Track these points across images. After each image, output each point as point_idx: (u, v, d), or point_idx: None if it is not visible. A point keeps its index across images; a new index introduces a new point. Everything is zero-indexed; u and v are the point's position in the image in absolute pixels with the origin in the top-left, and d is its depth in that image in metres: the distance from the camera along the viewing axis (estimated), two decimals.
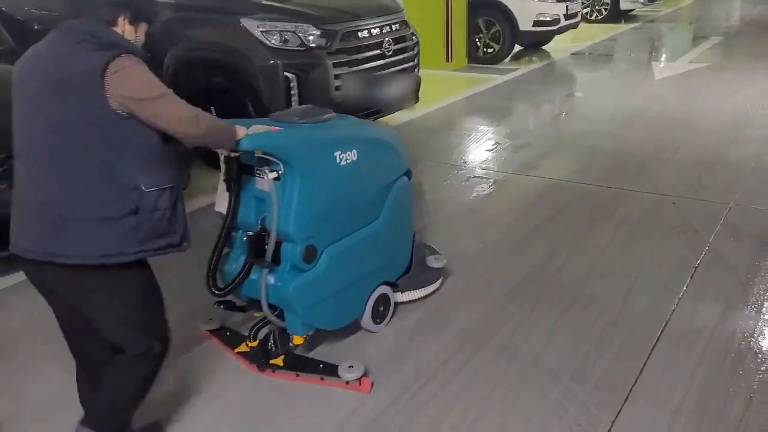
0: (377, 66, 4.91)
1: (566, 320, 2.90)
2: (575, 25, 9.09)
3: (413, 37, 5.33)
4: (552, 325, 2.86)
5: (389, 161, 2.81)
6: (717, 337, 2.72)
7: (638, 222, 3.82)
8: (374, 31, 4.88)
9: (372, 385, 2.48)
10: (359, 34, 4.77)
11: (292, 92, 4.54)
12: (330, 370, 2.51)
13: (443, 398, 2.43)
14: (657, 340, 2.71)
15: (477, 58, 8.58)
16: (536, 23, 8.34)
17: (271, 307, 2.49)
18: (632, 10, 12.24)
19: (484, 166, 4.90)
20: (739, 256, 3.37)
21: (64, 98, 1.76)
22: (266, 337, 2.61)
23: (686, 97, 6.63)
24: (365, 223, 2.68)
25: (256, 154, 2.35)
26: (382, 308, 2.82)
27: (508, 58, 8.64)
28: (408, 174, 2.90)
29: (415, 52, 5.35)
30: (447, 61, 8.21)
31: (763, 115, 5.83)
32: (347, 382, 2.46)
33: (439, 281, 3.09)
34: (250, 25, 4.53)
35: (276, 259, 2.42)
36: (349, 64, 4.71)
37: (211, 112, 4.71)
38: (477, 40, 8.58)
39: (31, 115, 1.83)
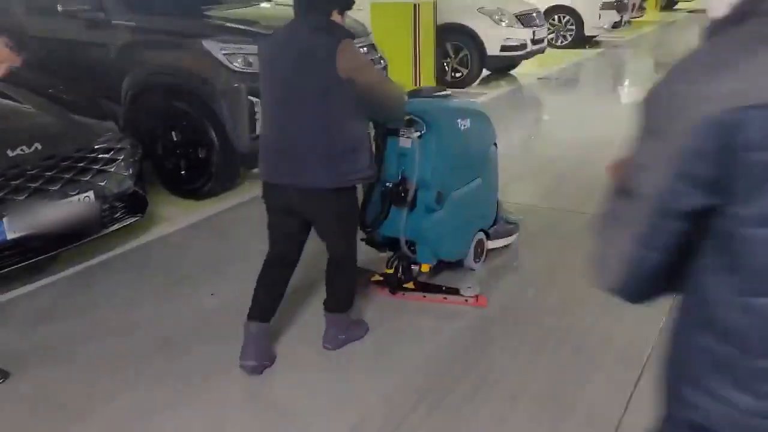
0: None
1: (546, 352, 2.79)
2: (542, 51, 9.16)
3: (381, 61, 5.25)
4: (532, 357, 2.75)
5: (488, 131, 3.48)
6: None
7: None
8: None
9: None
10: None
11: (257, 117, 4.39)
12: (451, 290, 3.21)
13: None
14: (642, 371, 2.62)
15: (445, 82, 8.56)
16: (504, 48, 8.38)
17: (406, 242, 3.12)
18: (596, 36, 12.44)
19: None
20: None
21: (308, 71, 2.40)
22: (396, 269, 3.22)
23: None
24: (473, 178, 3.34)
25: (406, 118, 2.99)
26: (479, 250, 3.46)
27: (476, 83, 8.65)
28: (496, 144, 3.54)
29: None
30: (415, 85, 8.16)
31: None
32: (466, 300, 3.14)
33: (516, 235, 3.71)
34: (213, 47, 4.39)
35: (412, 203, 3.06)
36: None
37: (172, 138, 4.66)
38: (445, 64, 8.57)
39: (282, 84, 2.48)
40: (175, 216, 4.36)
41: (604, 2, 11.74)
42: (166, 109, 4.59)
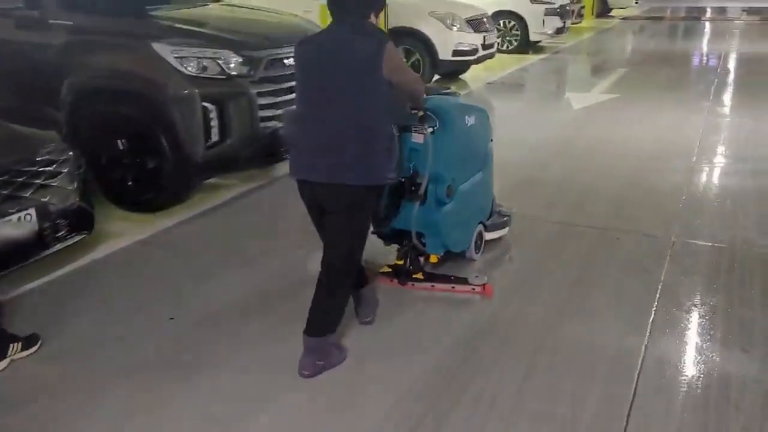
0: None
1: (537, 368, 2.66)
2: (492, 55, 9.16)
3: None
4: (524, 375, 2.62)
5: (487, 127, 3.64)
6: (693, 382, 2.56)
7: (587, 261, 3.67)
8: None
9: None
10: (285, 61, 4.43)
11: (212, 124, 4.14)
12: (459, 280, 3.33)
13: None
14: (636, 385, 2.53)
15: None
16: (455, 53, 8.32)
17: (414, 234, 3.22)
18: (540, 41, 12.59)
19: None
20: (693, 296, 3.27)
21: (352, 71, 2.47)
22: (404, 260, 3.34)
23: (606, 127, 6.72)
24: (476, 172, 3.50)
25: (419, 114, 3.08)
26: (479, 241, 3.63)
27: None
28: (492, 140, 3.70)
29: None
30: None
31: (682, 144, 5.96)
32: (473, 288, 3.28)
33: (508, 228, 3.87)
34: (164, 50, 4.10)
35: (423, 197, 3.13)
36: (275, 93, 4.36)
37: (118, 146, 4.33)
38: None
39: (325, 84, 2.51)
40: (124, 231, 4.03)
41: (547, 9, 11.88)
42: (112, 115, 4.25)
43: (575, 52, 12.94)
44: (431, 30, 8.24)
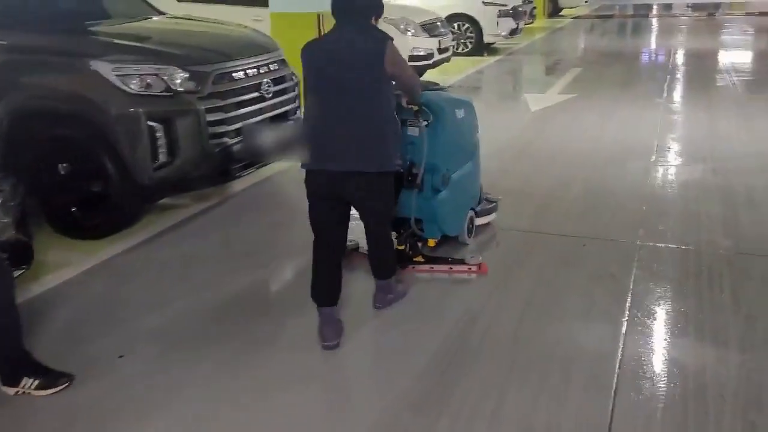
0: (257, 110, 4.40)
1: (512, 384, 2.55)
2: (448, 59, 9.12)
3: (293, 77, 4.88)
4: (499, 392, 2.50)
5: (475, 119, 3.87)
6: (671, 390, 2.48)
7: (555, 270, 3.58)
8: (251, 72, 4.37)
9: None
10: (234, 75, 4.24)
11: (159, 144, 3.92)
12: (456, 261, 3.56)
13: None
14: (614, 394, 2.44)
15: None
16: (411, 58, 8.23)
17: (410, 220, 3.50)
18: (494, 43, 12.62)
19: None
20: (664, 302, 3.21)
21: (360, 67, 2.73)
22: (404, 246, 3.54)
23: (565, 128, 6.70)
24: (466, 161, 3.75)
25: (414, 109, 3.30)
26: (471, 226, 3.85)
27: None
28: (478, 131, 3.95)
29: (296, 93, 4.89)
30: None
31: (641, 144, 5.97)
32: (470, 268, 3.49)
33: (495, 213, 4.10)
34: (103, 68, 3.87)
35: (420, 185, 3.43)
36: (224, 109, 4.16)
37: (58, 171, 4.08)
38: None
39: (336, 80, 2.75)
40: (70, 261, 3.79)
41: (500, 10, 11.91)
42: (51, 138, 4.00)
43: (530, 52, 13.02)
44: None
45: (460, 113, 3.63)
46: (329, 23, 8.03)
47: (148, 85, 3.91)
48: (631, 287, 3.34)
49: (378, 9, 2.87)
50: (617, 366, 2.69)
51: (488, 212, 4.07)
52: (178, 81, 3.98)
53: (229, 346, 2.93)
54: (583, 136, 6.35)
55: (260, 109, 4.43)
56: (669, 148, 5.86)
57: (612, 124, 6.81)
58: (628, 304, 3.17)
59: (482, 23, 11.70)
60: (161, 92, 3.94)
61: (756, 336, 2.89)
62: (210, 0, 8.77)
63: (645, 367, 2.70)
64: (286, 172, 5.40)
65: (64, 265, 3.76)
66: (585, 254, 3.76)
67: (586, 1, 22.75)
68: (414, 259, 3.56)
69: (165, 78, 3.95)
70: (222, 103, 4.14)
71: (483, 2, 11.83)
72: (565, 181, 5.03)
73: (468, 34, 11.97)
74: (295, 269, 3.84)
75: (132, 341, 2.99)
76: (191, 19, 5.49)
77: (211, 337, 3.02)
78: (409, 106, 3.30)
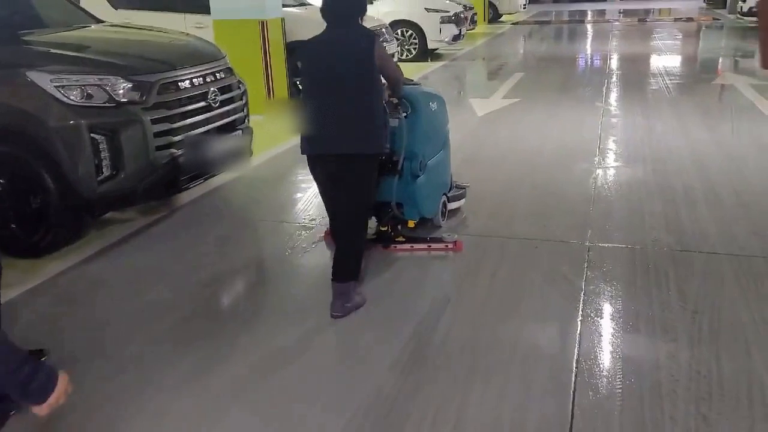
0: (204, 120, 4.32)
1: (473, 389, 2.56)
2: None
3: (240, 86, 4.81)
4: (462, 394, 2.50)
5: (445, 112, 4.22)
6: (627, 388, 2.54)
7: (508, 274, 3.63)
8: (197, 81, 4.28)
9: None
10: (180, 84, 4.15)
11: (102, 157, 3.80)
12: (434, 240, 3.95)
13: None
14: (573, 395, 2.47)
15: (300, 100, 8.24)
16: None
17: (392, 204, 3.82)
18: (437, 49, 12.76)
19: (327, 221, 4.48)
20: (615, 302, 3.29)
21: (353, 61, 3.06)
22: (386, 227, 3.92)
23: (511, 132, 6.82)
24: (439, 150, 4.09)
25: (394, 101, 3.60)
26: (443, 210, 4.18)
27: None
28: (448, 123, 4.31)
29: (243, 101, 4.82)
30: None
31: (584, 146, 6.13)
32: (446, 246, 3.88)
33: (464, 199, 4.48)
34: (41, 79, 3.72)
35: (400, 172, 3.72)
36: (170, 119, 4.06)
37: None
38: (298, 82, 8.24)
39: (332, 73, 3.07)
40: (10, 282, 3.58)
41: (442, 17, 12.06)
42: None
43: (472, 57, 13.22)
44: None
45: (433, 106, 3.96)
46: (273, 30, 7.96)
47: (90, 96, 3.78)
48: (583, 287, 3.42)
49: (363, 10, 3.25)
50: (574, 365, 2.74)
51: (458, 197, 4.43)
52: (122, 91, 3.87)
53: (179, 367, 2.84)
54: (529, 139, 6.48)
55: (207, 118, 4.36)
56: (611, 150, 6.04)
57: (556, 127, 6.97)
58: (581, 306, 3.24)
59: (425, 29, 11.82)
60: (104, 103, 3.82)
61: (702, 331, 3.00)
62: (149, 7, 8.58)
63: (601, 365, 2.76)
64: (235, 183, 5.31)
65: (5, 285, 3.56)
66: (537, 257, 3.83)
67: (524, 7, 23.28)
68: (396, 239, 3.91)
69: (107, 88, 3.83)
70: (168, 113, 4.05)
71: (426, 9, 11.96)
72: (515, 184, 5.11)
73: (412, 41, 12.07)
74: (244, 284, 3.78)
75: (76, 364, 2.87)
76: (131, 28, 5.35)
77: (161, 357, 2.93)
78: (391, 99, 3.58)
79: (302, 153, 3.29)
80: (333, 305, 3.19)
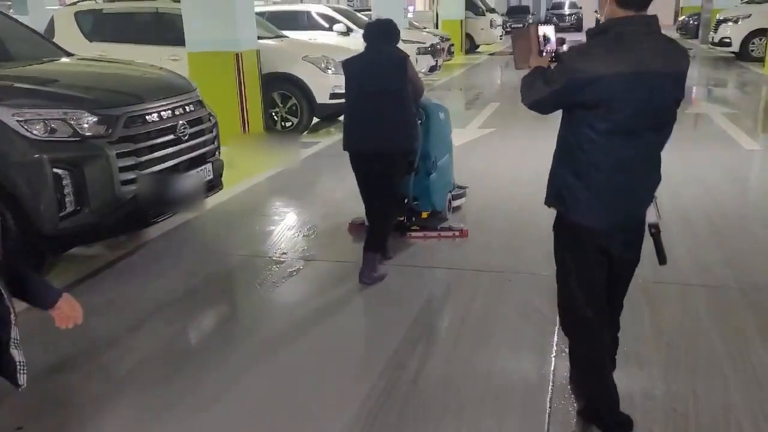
0: (172, 153, 4.24)
1: (449, 423, 2.47)
2: None
3: (211, 118, 4.75)
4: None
5: (449, 121, 4.81)
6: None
7: (482, 309, 3.56)
8: (165, 114, 4.21)
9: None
10: (147, 118, 4.08)
11: (65, 192, 3.70)
12: (444, 229, 4.59)
13: None
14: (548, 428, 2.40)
15: (276, 132, 8.21)
16: (333, 96, 8.21)
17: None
18: None
19: (305, 254, 4.40)
20: None
21: (391, 76, 3.79)
22: (403, 218, 4.55)
23: (487, 163, 6.82)
24: (446, 153, 4.76)
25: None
26: (449, 205, 4.88)
27: (306, 131, 8.41)
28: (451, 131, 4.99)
29: (214, 134, 4.76)
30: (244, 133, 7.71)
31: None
32: (454, 233, 4.54)
33: (464, 198, 5.19)
34: (3, 113, 3.65)
35: (416, 170, 4.41)
36: (136, 153, 3.98)
37: None
38: (274, 114, 8.22)
39: (371, 85, 3.79)
40: None
41: (419, 48, 12.16)
42: None
43: (449, 87, 13.31)
44: (306, 74, 8.11)
45: (442, 115, 4.61)
46: (248, 62, 7.94)
47: (53, 130, 3.70)
48: (556, 321, 3.35)
49: (398, 35, 3.98)
50: (548, 401, 2.67)
51: (460, 196, 5.13)
52: (86, 125, 3.79)
53: (139, 411, 2.73)
54: (505, 170, 6.48)
55: (176, 152, 4.27)
56: None
57: (531, 158, 6.97)
58: (555, 339, 3.18)
59: None
60: (68, 137, 3.74)
61: (678, 364, 2.95)
62: (124, 40, 8.55)
63: (575, 401, 2.68)
64: (205, 216, 5.22)
65: None
66: (510, 289, 3.77)
67: (500, 38, 23.63)
68: (411, 228, 4.54)
69: (72, 122, 3.75)
70: (134, 147, 3.97)
71: (402, 40, 12.01)
72: (489, 215, 5.08)
73: None
74: (210, 322, 3.67)
75: (33, 410, 2.74)
76: (101, 61, 5.29)
77: (120, 400, 2.81)
78: None
79: (344, 149, 3.93)
80: (362, 273, 3.83)
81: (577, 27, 33.20)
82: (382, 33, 3.89)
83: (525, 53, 2.40)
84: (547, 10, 36.25)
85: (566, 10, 34.46)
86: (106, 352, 3.21)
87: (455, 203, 5.03)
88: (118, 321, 3.54)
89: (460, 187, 5.16)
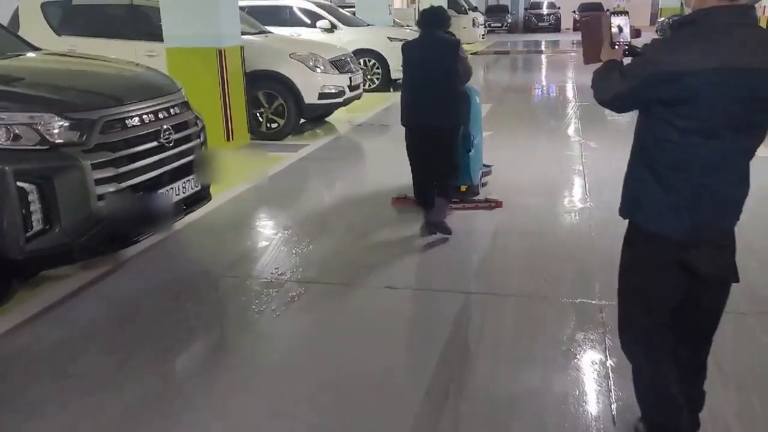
0: (155, 162, 3.73)
1: None
2: (359, 96, 8.70)
3: (198, 122, 4.25)
4: None
5: (479, 106, 5.26)
6: None
7: (514, 340, 3.15)
8: (147, 118, 3.70)
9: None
10: (127, 122, 3.57)
11: (32, 209, 3.19)
12: (481, 201, 5.12)
13: None
14: None
15: (260, 134, 7.70)
16: (322, 96, 7.74)
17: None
18: (400, 78, 12.40)
19: (302, 276, 3.93)
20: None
21: (444, 57, 4.29)
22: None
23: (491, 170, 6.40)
24: (479, 134, 5.26)
25: None
26: (481, 179, 5.46)
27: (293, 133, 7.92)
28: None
29: (201, 140, 4.25)
30: (228, 140, 7.18)
31: (571, 184, 5.76)
32: (490, 204, 5.06)
33: (490, 175, 5.77)
34: None
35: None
36: (114, 163, 3.47)
37: None
38: (258, 115, 7.71)
39: (430, 65, 4.28)
40: None
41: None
42: None
43: None
44: (294, 73, 7.60)
45: (477, 99, 5.11)
46: (232, 60, 7.40)
47: (16, 137, 3.19)
48: (608, 363, 2.95)
49: (449, 20, 4.46)
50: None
51: (488, 173, 5.76)
52: (56, 131, 3.28)
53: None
54: (512, 177, 6.03)
55: (160, 160, 3.77)
56: (601, 188, 5.63)
57: (537, 162, 6.60)
58: (611, 383, 2.77)
59: (389, 59, 11.44)
60: (34, 145, 3.22)
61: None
62: (96, 34, 7.96)
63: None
64: (190, 230, 4.71)
65: None
66: (544, 320, 3.36)
67: (482, 37, 23.35)
68: (452, 200, 4.83)
69: (39, 128, 3.24)
70: (112, 156, 3.46)
71: (389, 38, 11.61)
72: (504, 228, 4.67)
73: (375, 70, 11.69)
74: (198, 358, 3.20)
75: None
76: (73, 57, 4.74)
77: None
78: None
79: (402, 124, 4.42)
80: (432, 214, 4.41)
81: (555, 27, 33.13)
82: (435, 19, 4.35)
83: (596, 46, 2.16)
84: (525, 9, 36.08)
85: (545, 10, 34.30)
86: (79, 390, 2.72)
87: (485, 179, 5.64)
88: (91, 356, 3.05)
89: (486, 166, 5.73)
